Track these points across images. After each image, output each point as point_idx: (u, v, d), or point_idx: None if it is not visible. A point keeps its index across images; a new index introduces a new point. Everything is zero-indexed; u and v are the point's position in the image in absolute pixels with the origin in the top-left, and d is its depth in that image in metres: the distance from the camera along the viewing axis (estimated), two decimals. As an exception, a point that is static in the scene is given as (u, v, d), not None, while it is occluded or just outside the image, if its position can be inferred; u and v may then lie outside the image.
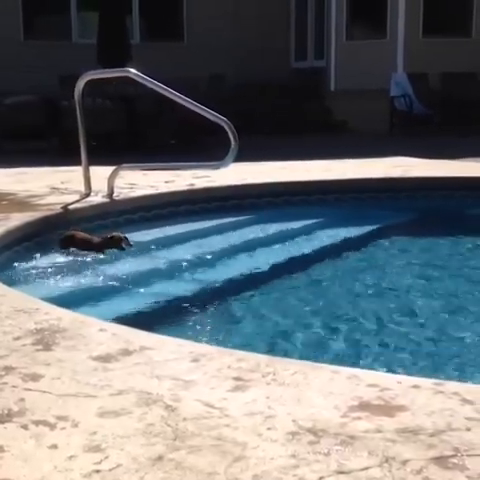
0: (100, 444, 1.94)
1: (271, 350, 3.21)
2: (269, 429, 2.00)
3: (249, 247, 5.40)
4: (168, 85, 5.61)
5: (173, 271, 4.70)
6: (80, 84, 5.74)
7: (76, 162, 6.13)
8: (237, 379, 2.33)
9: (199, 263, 4.87)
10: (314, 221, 6.22)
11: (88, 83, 5.81)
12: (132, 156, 7.54)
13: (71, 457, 1.88)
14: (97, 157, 6.24)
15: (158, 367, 2.44)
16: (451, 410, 2.07)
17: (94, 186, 6.00)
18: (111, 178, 5.92)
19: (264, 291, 4.47)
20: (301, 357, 2.73)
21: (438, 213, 6.52)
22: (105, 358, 2.52)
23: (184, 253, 5.12)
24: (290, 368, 2.42)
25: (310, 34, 15.32)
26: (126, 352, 2.58)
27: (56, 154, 9.61)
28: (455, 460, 1.81)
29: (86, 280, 4.41)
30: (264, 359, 2.53)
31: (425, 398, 2.17)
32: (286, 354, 3.02)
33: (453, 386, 2.28)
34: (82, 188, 6.00)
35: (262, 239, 5.65)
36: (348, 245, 5.60)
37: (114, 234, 4.82)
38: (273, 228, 5.96)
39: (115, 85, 10.06)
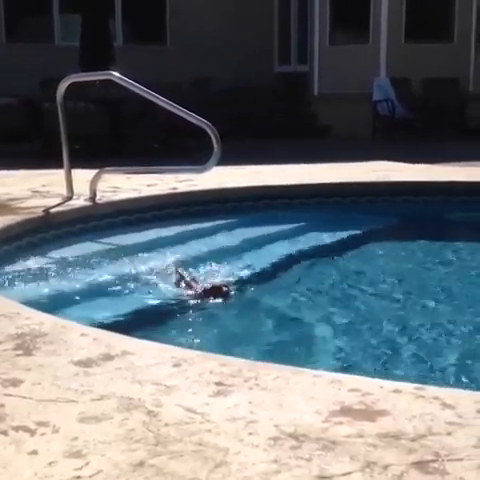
0: (81, 450, 1.92)
1: (253, 355, 3.20)
2: (251, 434, 2.00)
3: (231, 251, 5.40)
4: (151, 88, 5.60)
5: (155, 275, 4.68)
6: (62, 87, 5.71)
7: (58, 165, 6.10)
8: (219, 384, 2.33)
9: (182, 267, 4.85)
10: (295, 225, 6.23)
11: (70, 86, 5.78)
12: (115, 159, 7.52)
13: (51, 463, 1.86)
14: (80, 160, 6.21)
15: (140, 372, 2.43)
16: (432, 414, 2.08)
17: (76, 189, 5.97)
18: (93, 181, 5.90)
19: (246, 294, 4.47)
20: (283, 363, 2.72)
21: (419, 218, 6.55)
22: (86, 363, 2.51)
23: (168, 256, 5.10)
24: (272, 373, 2.41)
25: (293, 39, 15.37)
26: (107, 357, 2.57)
27: (38, 157, 9.56)
28: (436, 465, 1.82)
29: (63, 286, 4.36)
30: (246, 364, 2.53)
31: (406, 403, 2.17)
32: (268, 359, 3.01)
33: (434, 391, 2.29)
34: (64, 191, 5.97)
35: (243, 243, 5.65)
36: (329, 249, 5.62)
37: (218, 284, 4.31)
38: (254, 232, 5.96)
39: (98, 88, 10.04)
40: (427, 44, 13.73)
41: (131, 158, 8.00)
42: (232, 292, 4.22)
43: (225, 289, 4.17)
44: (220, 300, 4.14)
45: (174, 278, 4.50)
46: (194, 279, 4.43)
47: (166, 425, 2.06)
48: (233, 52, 14.07)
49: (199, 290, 4.25)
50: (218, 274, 4.63)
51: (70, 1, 13.88)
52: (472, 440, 1.92)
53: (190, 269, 4.66)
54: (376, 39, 13.91)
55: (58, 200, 5.86)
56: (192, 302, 4.20)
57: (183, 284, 4.40)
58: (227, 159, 5.81)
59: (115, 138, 10.38)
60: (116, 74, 5.61)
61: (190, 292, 4.29)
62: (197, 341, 3.53)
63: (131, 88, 5.55)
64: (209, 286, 4.24)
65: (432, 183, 7.06)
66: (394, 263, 5.52)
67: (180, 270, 4.56)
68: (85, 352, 2.62)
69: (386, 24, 13.81)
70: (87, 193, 5.89)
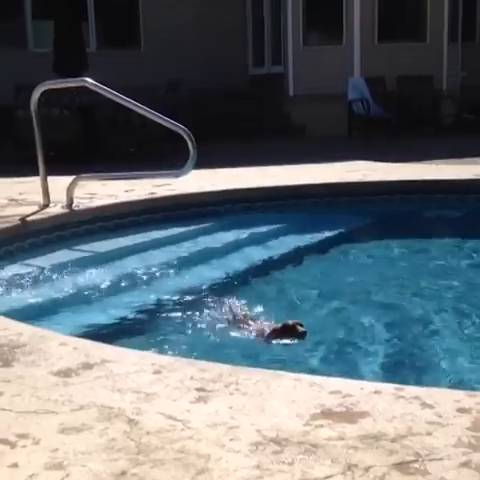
0: (62, 461, 1.91)
1: (233, 359, 3.20)
2: (232, 440, 2.00)
3: (209, 255, 5.40)
4: (126, 93, 5.58)
5: (135, 281, 4.67)
6: (36, 94, 5.68)
7: (34, 172, 6.06)
8: (199, 390, 2.32)
9: (160, 273, 4.84)
10: (274, 227, 6.24)
11: (45, 92, 5.75)
12: (91, 165, 7.49)
13: (32, 476, 1.85)
14: (55, 167, 6.18)
15: (119, 380, 2.42)
16: (412, 415, 2.09)
17: (53, 197, 5.94)
18: (70, 188, 5.87)
19: (225, 297, 4.47)
20: (266, 367, 2.73)
21: (395, 217, 6.58)
22: (66, 373, 2.50)
23: (146, 262, 5.09)
24: (253, 377, 2.42)
25: (267, 40, 15.39)
26: (87, 366, 2.56)
27: (13, 164, 9.49)
28: (416, 465, 1.83)
29: (42, 295, 4.33)
30: (226, 369, 2.52)
31: (386, 403, 2.18)
32: (248, 363, 3.01)
33: (413, 390, 2.30)
34: (40, 199, 5.93)
35: (221, 247, 5.64)
36: (307, 250, 5.63)
37: (290, 322, 3.71)
38: (232, 235, 5.96)
39: (73, 94, 9.99)
40: (400, 43, 13.80)
41: (107, 163, 7.96)
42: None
43: (300, 329, 3.60)
44: (289, 341, 3.58)
45: (224, 314, 4.01)
46: (250, 316, 3.94)
47: (147, 433, 2.05)
48: (207, 55, 14.06)
49: (264, 329, 3.73)
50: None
51: (43, 7, 13.79)
52: (452, 439, 1.94)
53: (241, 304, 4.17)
54: (349, 39, 13.96)
55: (35, 208, 5.83)
56: (254, 342, 3.69)
57: (239, 322, 3.88)
58: (204, 162, 5.80)
59: (90, 144, 10.33)
60: (90, 80, 5.58)
61: (249, 331, 3.78)
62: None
63: (105, 94, 5.52)
64: (279, 325, 3.67)
65: (408, 182, 7.10)
66: (373, 261, 5.54)
67: (233, 306, 4.09)
68: (64, 362, 2.60)
69: (359, 24, 13.86)
70: (64, 200, 5.86)
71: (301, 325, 3.61)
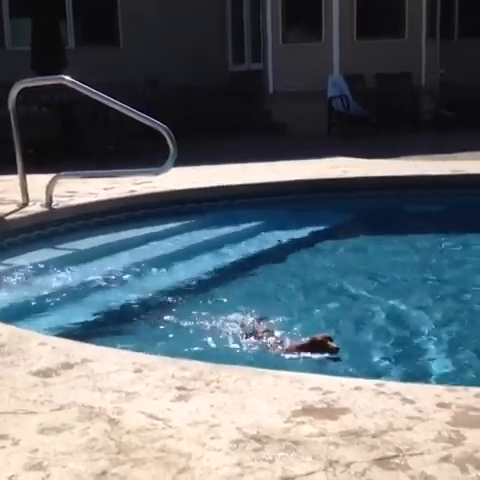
0: (42, 462, 1.90)
1: (215, 357, 3.19)
2: (213, 438, 2.00)
3: (191, 252, 5.39)
4: (105, 90, 5.55)
5: (115, 280, 4.65)
6: (13, 92, 5.63)
7: (12, 171, 6.01)
8: (180, 388, 2.32)
9: (140, 271, 4.82)
10: (255, 224, 6.23)
11: (23, 90, 5.71)
12: (70, 163, 7.45)
13: (12, 477, 1.84)
14: (34, 165, 6.13)
15: (100, 379, 2.41)
16: (392, 410, 2.10)
17: (32, 195, 5.90)
18: (49, 187, 5.83)
19: (206, 296, 4.47)
20: (247, 364, 2.73)
21: (376, 213, 6.61)
22: (45, 373, 2.48)
23: (126, 261, 5.07)
24: (233, 375, 2.41)
25: (246, 37, 15.39)
26: (67, 365, 2.54)
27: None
28: (397, 460, 1.83)
29: (21, 294, 4.30)
30: (207, 367, 2.52)
31: (367, 399, 2.19)
32: (231, 361, 3.00)
33: (394, 386, 2.31)
34: (19, 198, 5.89)
35: (203, 244, 5.63)
36: (288, 247, 5.64)
37: (319, 337, 3.50)
38: (214, 233, 5.95)
39: (52, 92, 9.93)
40: (379, 40, 13.85)
41: (86, 161, 7.93)
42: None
43: (331, 344, 3.40)
44: (318, 356, 3.38)
45: (243, 328, 3.79)
46: (271, 331, 3.75)
47: (128, 433, 2.04)
48: (187, 51, 14.03)
49: (290, 344, 3.54)
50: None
51: (20, 5, 13.69)
52: (432, 434, 1.95)
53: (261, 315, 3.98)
54: (329, 36, 14.00)
55: (14, 207, 5.78)
56: (276, 357, 3.48)
57: (260, 336, 3.68)
58: (184, 159, 5.78)
59: (69, 141, 10.28)
60: (68, 78, 5.54)
61: (271, 345, 3.58)
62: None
63: (83, 92, 5.49)
64: (306, 341, 3.49)
65: (388, 178, 7.13)
66: (354, 257, 5.56)
67: (255, 318, 3.89)
68: (44, 362, 2.58)
69: (338, 21, 13.90)
70: (43, 199, 5.82)
71: (331, 339, 3.43)
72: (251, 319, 3.90)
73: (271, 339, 3.64)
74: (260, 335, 3.69)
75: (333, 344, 3.41)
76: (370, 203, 6.74)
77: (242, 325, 3.82)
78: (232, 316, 3.93)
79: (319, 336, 3.46)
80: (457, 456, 1.83)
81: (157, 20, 14.18)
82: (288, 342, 3.59)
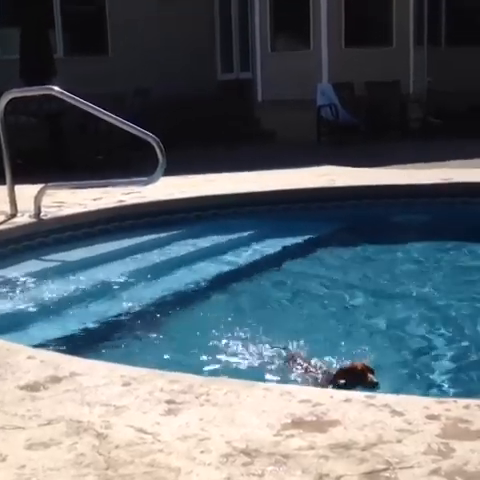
0: (29, 478, 1.89)
1: (204, 369, 3.18)
2: (203, 452, 1.99)
3: (180, 263, 5.38)
4: (94, 99, 5.55)
5: (104, 291, 4.63)
6: (1, 103, 5.62)
7: (0, 181, 5.99)
8: (169, 402, 2.31)
9: (130, 282, 4.81)
10: (245, 234, 6.22)
11: (11, 100, 5.69)
12: (59, 173, 7.43)
13: (-1, 494, 1.82)
14: (23, 175, 6.11)
15: (88, 393, 2.40)
16: (382, 422, 2.09)
17: (20, 206, 5.88)
18: (38, 197, 5.81)
19: (195, 307, 4.46)
20: (234, 376, 2.72)
21: (365, 222, 6.61)
22: (33, 387, 2.46)
23: (115, 272, 5.05)
24: (223, 388, 2.40)
25: (235, 46, 15.42)
26: (55, 379, 2.52)
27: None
28: (387, 473, 1.83)
29: (9, 306, 4.27)
30: (197, 380, 2.51)
31: (357, 411, 2.18)
32: (219, 373, 3.00)
33: (383, 398, 2.31)
34: (7, 208, 5.86)
35: (192, 254, 5.62)
36: (277, 257, 5.63)
37: (358, 366, 3.08)
38: (204, 242, 5.93)
39: (41, 102, 9.90)
40: (367, 48, 13.91)
41: (75, 171, 7.91)
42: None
43: (371, 377, 2.98)
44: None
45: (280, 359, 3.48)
46: (305, 358, 3.41)
47: (116, 447, 2.03)
48: (176, 61, 14.04)
49: (322, 374, 3.18)
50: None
51: (9, 14, 13.67)
52: (422, 446, 1.94)
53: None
54: (317, 45, 14.04)
55: (2, 218, 5.76)
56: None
57: (294, 364, 3.34)
58: (173, 169, 5.78)
59: (58, 151, 10.25)
60: (56, 88, 5.53)
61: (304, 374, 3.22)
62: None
63: (72, 102, 5.48)
64: (346, 365, 3.11)
65: (378, 187, 7.14)
66: (342, 266, 5.57)
67: (291, 350, 3.53)
68: (32, 375, 2.57)
69: (326, 30, 13.95)
70: (31, 209, 5.80)
71: (372, 371, 2.99)
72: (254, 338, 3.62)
73: (298, 363, 3.30)
74: (292, 360, 3.33)
75: (373, 377, 2.98)
76: (358, 212, 6.74)
77: (245, 345, 3.58)
78: (226, 328, 3.84)
79: (359, 364, 3.02)
80: (447, 469, 1.83)
81: (146, 30, 14.20)
82: (316, 368, 3.22)
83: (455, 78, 14.00)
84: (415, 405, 2.22)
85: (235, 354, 3.57)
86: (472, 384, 3.26)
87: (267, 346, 3.61)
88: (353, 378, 2.97)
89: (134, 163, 7.90)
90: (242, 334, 3.77)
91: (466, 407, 2.18)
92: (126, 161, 9.36)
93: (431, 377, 3.28)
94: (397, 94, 13.85)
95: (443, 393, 3.10)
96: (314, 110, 13.43)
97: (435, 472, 1.82)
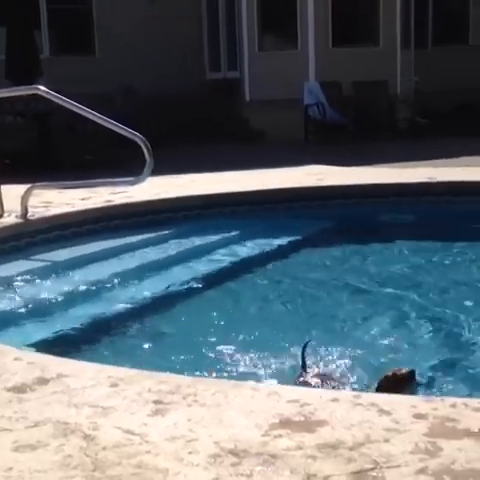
0: (16, 480, 1.88)
1: (192, 370, 3.17)
2: (191, 453, 1.98)
3: (167, 263, 5.37)
4: (81, 99, 5.53)
5: (92, 291, 4.61)
6: (-12, 103, 5.60)
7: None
8: (157, 402, 2.30)
9: (117, 282, 4.79)
10: (231, 234, 6.22)
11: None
12: (46, 173, 7.39)
13: (-14, 497, 1.81)
14: (10, 175, 6.08)
15: (76, 395, 2.39)
16: (369, 422, 2.10)
17: (7, 206, 5.85)
18: (25, 197, 5.78)
19: (182, 307, 4.45)
20: (222, 375, 2.72)
21: (353, 221, 6.62)
22: (20, 388, 2.45)
23: (103, 272, 5.03)
24: (211, 388, 2.40)
25: (223, 46, 15.41)
26: (42, 381, 2.51)
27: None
28: (374, 473, 1.83)
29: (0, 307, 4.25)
30: (184, 380, 2.50)
31: (344, 411, 2.19)
32: (208, 373, 2.99)
33: (370, 397, 2.31)
34: (-6, 209, 5.84)
35: (179, 254, 5.61)
36: (264, 257, 5.63)
37: (401, 371, 2.95)
38: (191, 242, 5.93)
39: (28, 102, 9.87)
40: (354, 48, 13.94)
41: (63, 171, 7.87)
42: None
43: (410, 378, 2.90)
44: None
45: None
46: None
47: (104, 449, 2.02)
48: (163, 60, 14.02)
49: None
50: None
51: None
52: (409, 446, 1.95)
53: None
54: (304, 44, 14.06)
55: (-12, 218, 5.73)
56: None
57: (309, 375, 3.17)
58: (161, 169, 5.77)
59: (46, 151, 10.21)
60: (43, 88, 5.51)
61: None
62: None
63: (58, 102, 5.46)
64: (388, 374, 2.93)
65: (366, 186, 7.15)
66: (329, 266, 5.57)
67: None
68: (19, 377, 2.56)
69: (313, 29, 13.97)
70: (18, 210, 5.77)
71: (413, 376, 2.89)
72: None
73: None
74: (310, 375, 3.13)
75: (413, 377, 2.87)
76: (345, 211, 6.75)
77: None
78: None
79: (402, 370, 2.88)
80: (434, 468, 1.83)
81: (133, 30, 14.16)
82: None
83: (442, 78, 14.07)
84: (402, 404, 2.22)
85: (223, 355, 3.58)
86: (459, 383, 3.27)
87: (252, 346, 3.63)
88: (398, 384, 2.86)
89: (123, 163, 7.87)
90: (228, 334, 3.77)
91: (453, 406, 2.19)
92: (115, 161, 9.33)
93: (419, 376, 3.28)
94: (384, 94, 13.89)
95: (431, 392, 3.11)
96: (302, 109, 13.44)
97: (422, 471, 1.82)
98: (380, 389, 2.86)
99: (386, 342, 3.78)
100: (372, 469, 1.85)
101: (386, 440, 1.99)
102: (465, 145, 10.65)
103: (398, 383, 2.85)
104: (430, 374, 3.32)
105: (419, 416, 2.12)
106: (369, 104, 13.51)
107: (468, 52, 15.30)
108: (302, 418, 2.15)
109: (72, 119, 9.10)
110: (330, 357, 3.49)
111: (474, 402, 2.25)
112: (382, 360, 3.52)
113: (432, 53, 15.33)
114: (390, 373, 2.92)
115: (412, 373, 2.92)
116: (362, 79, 13.49)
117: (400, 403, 2.25)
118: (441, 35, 15.61)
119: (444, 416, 2.11)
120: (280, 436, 2.05)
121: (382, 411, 2.16)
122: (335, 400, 2.27)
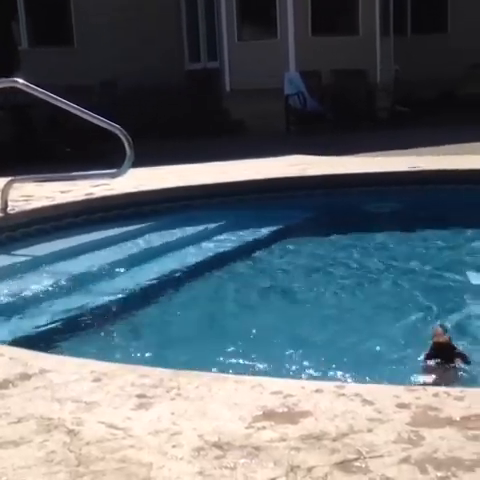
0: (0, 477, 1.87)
1: (175, 363, 3.17)
2: (175, 447, 1.98)
3: (150, 256, 5.35)
4: (60, 91, 5.50)
5: (73, 285, 4.59)
6: (-35, 96, 5.54)
7: (-34, 176, 5.91)
8: (141, 396, 2.30)
9: (99, 275, 4.78)
10: (215, 225, 6.21)
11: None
12: (26, 166, 7.33)
13: (-31, 494, 1.80)
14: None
15: (58, 390, 2.38)
16: (353, 412, 2.11)
17: (-14, 200, 5.80)
18: (4, 191, 5.74)
19: (165, 299, 4.44)
20: (206, 369, 2.71)
21: (336, 211, 6.63)
22: (2, 384, 2.44)
23: (84, 265, 5.01)
24: (194, 381, 2.40)
25: (202, 36, 15.35)
26: (25, 376, 2.50)
27: None
28: (358, 463, 1.84)
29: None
30: (167, 373, 2.50)
31: (328, 402, 2.19)
32: (191, 367, 2.98)
33: (354, 387, 2.32)
34: (-26, 203, 5.78)
35: (162, 247, 5.60)
36: (249, 248, 5.63)
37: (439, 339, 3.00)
38: (174, 234, 5.91)
39: (7, 94, 9.76)
40: (334, 37, 13.94)
41: (43, 164, 7.81)
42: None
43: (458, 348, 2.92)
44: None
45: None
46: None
47: (87, 444, 2.02)
48: (143, 51, 13.94)
49: None
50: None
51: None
52: (392, 435, 1.96)
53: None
54: (284, 33, 14.03)
55: (-33, 213, 5.68)
56: None
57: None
58: (142, 161, 5.74)
59: (26, 144, 10.12)
60: (21, 81, 5.46)
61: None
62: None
63: (37, 94, 5.41)
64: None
65: (348, 175, 7.17)
66: (314, 256, 5.58)
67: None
68: (1, 373, 2.54)
69: (293, 18, 13.94)
70: (-2, 204, 5.72)
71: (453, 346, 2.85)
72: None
73: None
74: None
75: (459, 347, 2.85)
76: (327, 202, 6.75)
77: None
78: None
79: (441, 338, 2.85)
80: (417, 457, 1.84)
81: (112, 20, 14.06)
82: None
83: (422, 66, 14.11)
84: (385, 394, 2.23)
85: (207, 347, 3.58)
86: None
87: (237, 337, 3.64)
88: (443, 352, 2.92)
89: (105, 155, 7.82)
90: (213, 326, 3.77)
91: (435, 395, 2.20)
92: (97, 153, 9.27)
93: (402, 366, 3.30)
94: (364, 83, 13.90)
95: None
96: (282, 99, 13.43)
97: (405, 460, 1.84)
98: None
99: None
100: (356, 459, 1.85)
101: (369, 430, 2.00)
102: (445, 133, 10.69)
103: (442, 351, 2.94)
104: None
105: (402, 405, 2.13)
106: (349, 93, 13.52)
107: (447, 39, 15.36)
108: (285, 409, 2.16)
109: (54, 112, 9.04)
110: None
111: (456, 391, 2.27)
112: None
113: (411, 41, 15.37)
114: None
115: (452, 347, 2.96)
116: (342, 68, 13.49)
117: (383, 393, 2.26)
118: (420, 23, 15.64)
119: (426, 405, 2.12)
120: (264, 428, 2.05)
121: (365, 401, 2.17)
122: (319, 391, 2.27)
